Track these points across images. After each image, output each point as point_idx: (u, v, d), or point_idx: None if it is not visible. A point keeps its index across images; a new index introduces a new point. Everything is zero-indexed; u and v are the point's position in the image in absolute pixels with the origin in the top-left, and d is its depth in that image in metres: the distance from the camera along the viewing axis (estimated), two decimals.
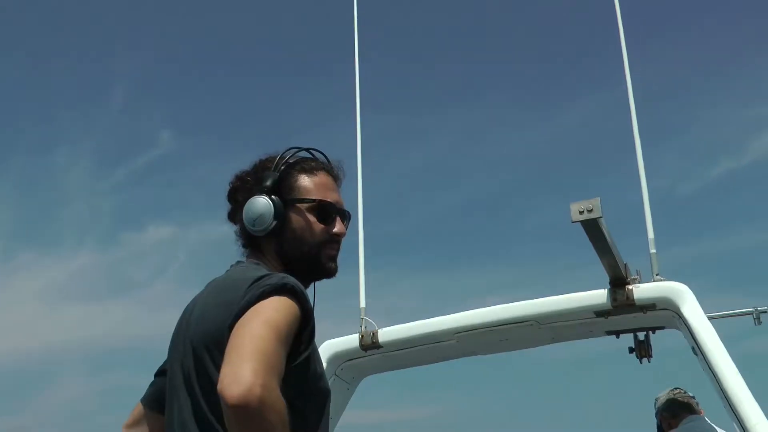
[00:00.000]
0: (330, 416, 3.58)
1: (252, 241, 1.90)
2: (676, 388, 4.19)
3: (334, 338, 3.49)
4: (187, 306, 1.86)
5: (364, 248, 3.66)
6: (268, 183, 1.87)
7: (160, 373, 1.94)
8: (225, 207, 1.99)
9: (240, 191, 1.93)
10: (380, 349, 3.44)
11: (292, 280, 1.65)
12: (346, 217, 1.96)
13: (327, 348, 3.45)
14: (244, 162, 2.01)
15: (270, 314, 1.54)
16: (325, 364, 3.37)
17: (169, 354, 1.85)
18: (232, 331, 1.52)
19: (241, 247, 1.95)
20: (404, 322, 3.45)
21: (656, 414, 4.21)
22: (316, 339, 1.74)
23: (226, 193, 1.98)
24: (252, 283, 1.63)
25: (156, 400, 1.90)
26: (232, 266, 1.90)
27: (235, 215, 1.95)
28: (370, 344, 3.41)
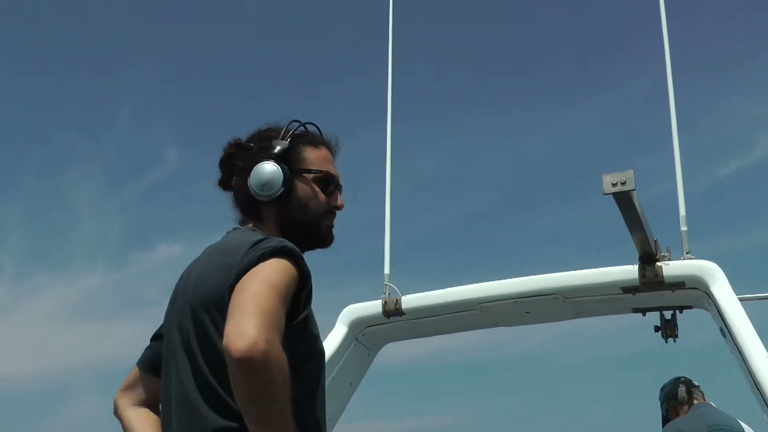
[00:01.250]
0: (350, 382, 3.60)
1: (252, 206, 1.92)
2: (682, 377, 4.20)
3: (356, 303, 3.48)
4: (185, 270, 1.89)
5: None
6: (277, 151, 1.90)
7: (157, 336, 1.95)
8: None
9: (239, 158, 1.94)
10: (403, 316, 3.42)
11: (290, 244, 1.69)
12: (342, 191, 2.02)
13: (349, 313, 3.44)
14: None
15: (270, 275, 1.58)
16: (346, 329, 3.37)
17: (166, 317, 1.87)
18: (234, 292, 1.56)
19: (239, 214, 1.97)
20: None
21: (662, 403, 4.23)
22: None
23: (219, 159, 1.98)
24: (251, 246, 1.66)
25: (152, 363, 1.92)
26: (228, 233, 1.93)
27: (228, 181, 1.98)
28: (393, 310, 3.40)
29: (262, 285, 1.55)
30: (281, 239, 1.72)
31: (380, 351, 3.74)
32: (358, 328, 3.46)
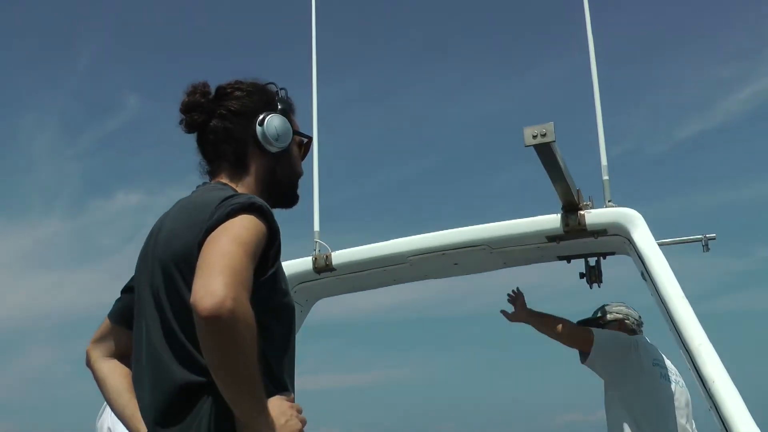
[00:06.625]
0: None
1: (242, 156, 1.91)
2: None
3: (287, 260, 3.47)
4: (155, 225, 1.88)
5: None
6: (282, 107, 1.95)
7: (127, 289, 1.97)
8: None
9: (235, 103, 1.91)
10: (334, 272, 3.45)
11: (259, 200, 1.70)
12: None
13: None
14: None
15: (239, 231, 1.59)
16: None
17: (136, 272, 1.88)
18: (202, 248, 1.57)
19: (216, 161, 1.92)
20: None
21: (609, 314, 3.95)
22: None
23: (194, 100, 1.91)
24: (220, 203, 1.67)
25: (122, 315, 1.94)
26: (198, 187, 1.92)
27: (203, 124, 1.91)
28: (323, 267, 3.42)
29: (230, 242, 1.56)
30: (250, 195, 1.74)
31: (315, 306, 3.78)
32: (290, 284, 3.46)
